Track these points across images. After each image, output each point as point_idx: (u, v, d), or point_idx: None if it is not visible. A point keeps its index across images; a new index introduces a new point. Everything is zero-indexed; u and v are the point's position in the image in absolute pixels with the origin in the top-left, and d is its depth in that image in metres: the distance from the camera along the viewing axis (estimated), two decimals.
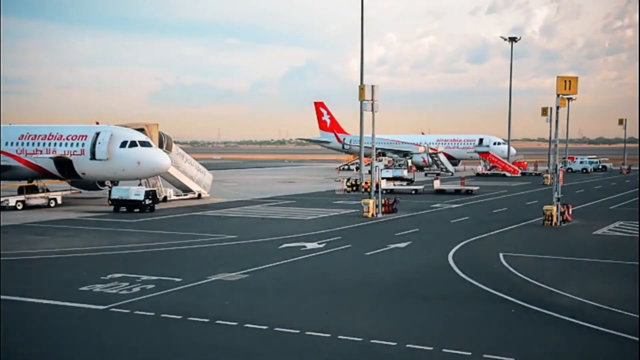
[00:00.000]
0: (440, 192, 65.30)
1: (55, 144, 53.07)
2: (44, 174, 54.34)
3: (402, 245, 33.43)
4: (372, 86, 48.09)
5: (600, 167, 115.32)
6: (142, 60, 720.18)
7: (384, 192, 55.52)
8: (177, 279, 24.85)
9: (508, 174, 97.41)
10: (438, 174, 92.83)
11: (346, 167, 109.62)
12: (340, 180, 71.84)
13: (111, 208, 48.89)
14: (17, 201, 49.65)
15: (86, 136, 51.95)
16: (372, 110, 48.15)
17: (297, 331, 18.30)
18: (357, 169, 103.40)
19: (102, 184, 57.15)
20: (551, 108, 69.80)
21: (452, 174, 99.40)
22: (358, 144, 73.20)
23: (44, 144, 53.70)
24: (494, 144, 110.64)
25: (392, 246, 33.03)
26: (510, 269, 27.51)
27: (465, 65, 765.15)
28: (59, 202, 51.83)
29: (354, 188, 65.84)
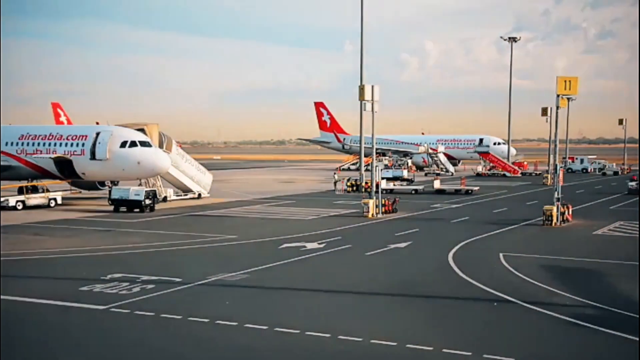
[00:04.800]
0: (440, 192, 65.31)
1: (55, 144, 53.08)
2: (44, 174, 54.34)
3: (402, 245, 33.42)
4: (372, 86, 48.12)
5: (601, 167, 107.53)
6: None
7: (384, 192, 55.51)
8: (177, 279, 24.86)
9: (508, 174, 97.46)
10: (438, 174, 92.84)
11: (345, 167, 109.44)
12: (340, 180, 71.80)
13: (111, 208, 48.91)
14: (17, 201, 49.66)
15: (86, 136, 51.95)
16: (372, 110, 48.15)
17: (297, 331, 18.30)
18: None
19: (102, 184, 57.18)
20: (551, 108, 69.93)
21: (452, 174, 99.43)
22: (358, 144, 73.21)
23: (44, 144, 53.71)
24: (494, 144, 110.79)
25: (392, 246, 33.02)
26: (510, 269, 27.52)
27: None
28: (59, 202, 51.83)
29: (354, 188, 65.89)
